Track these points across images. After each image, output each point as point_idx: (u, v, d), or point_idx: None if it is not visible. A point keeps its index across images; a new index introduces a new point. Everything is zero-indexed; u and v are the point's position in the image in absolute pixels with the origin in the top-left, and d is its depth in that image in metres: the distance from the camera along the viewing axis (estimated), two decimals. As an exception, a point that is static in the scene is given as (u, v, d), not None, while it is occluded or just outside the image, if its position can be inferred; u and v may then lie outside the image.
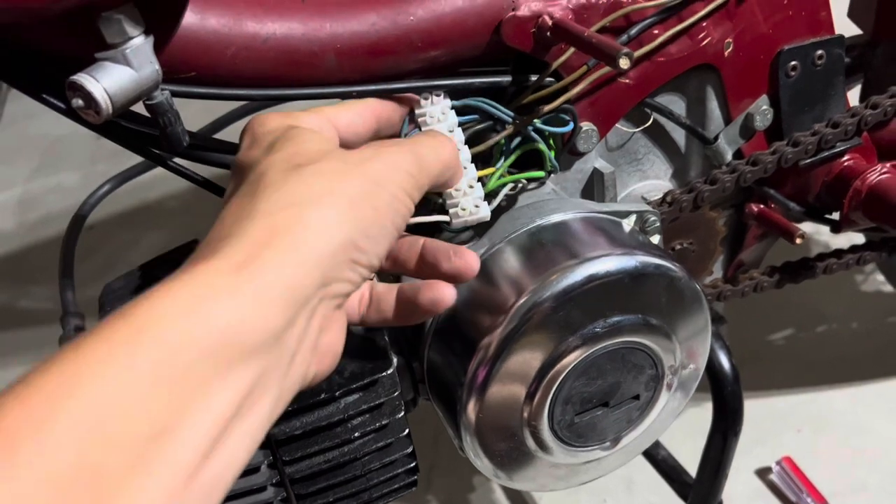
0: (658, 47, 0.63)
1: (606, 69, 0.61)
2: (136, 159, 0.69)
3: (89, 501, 0.27)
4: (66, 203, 1.87)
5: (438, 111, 0.56)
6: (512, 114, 0.59)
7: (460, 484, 1.11)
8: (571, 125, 0.61)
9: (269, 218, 0.38)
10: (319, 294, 0.38)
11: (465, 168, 0.54)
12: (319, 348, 0.40)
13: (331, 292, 0.39)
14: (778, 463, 1.08)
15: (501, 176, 0.59)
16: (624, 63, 0.52)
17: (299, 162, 0.41)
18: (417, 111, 0.56)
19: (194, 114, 0.69)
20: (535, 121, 0.60)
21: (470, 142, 0.57)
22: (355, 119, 0.49)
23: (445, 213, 0.53)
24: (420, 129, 0.56)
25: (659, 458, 0.93)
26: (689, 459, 0.91)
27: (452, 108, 0.57)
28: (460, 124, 0.57)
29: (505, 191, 0.59)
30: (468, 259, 0.49)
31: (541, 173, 0.61)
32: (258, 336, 0.34)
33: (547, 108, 0.60)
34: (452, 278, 0.49)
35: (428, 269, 0.49)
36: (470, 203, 0.52)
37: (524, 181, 0.61)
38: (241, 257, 0.36)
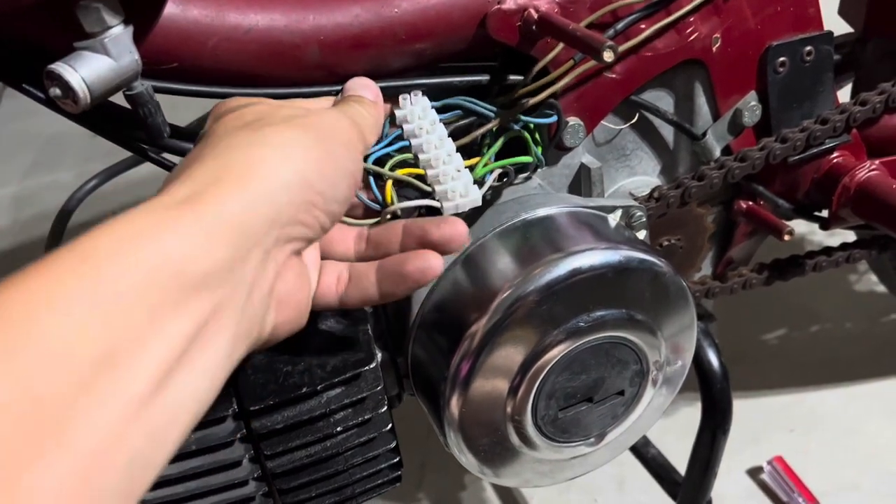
0: (644, 41, 0.63)
1: (592, 63, 0.61)
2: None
3: (35, 431, 0.27)
4: (61, 200, 1.84)
5: (418, 110, 0.56)
6: (494, 108, 0.59)
7: (451, 481, 1.11)
8: (555, 117, 0.61)
9: (219, 159, 0.38)
10: (274, 234, 0.38)
11: (450, 156, 0.54)
12: (277, 294, 0.41)
13: (286, 234, 0.39)
14: (769, 462, 1.08)
15: (487, 164, 0.58)
16: (608, 56, 0.52)
17: (248, 120, 0.42)
18: (398, 112, 0.56)
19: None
20: (520, 115, 0.60)
21: (455, 136, 0.57)
22: None
23: (434, 199, 0.53)
24: (402, 130, 0.56)
25: (649, 457, 0.93)
26: (682, 458, 0.90)
27: (432, 107, 0.57)
28: (443, 121, 0.57)
29: (493, 177, 0.58)
30: (457, 225, 0.48)
31: (528, 158, 0.60)
32: (204, 267, 0.34)
33: (532, 101, 0.60)
34: (442, 247, 0.48)
35: (414, 242, 0.49)
36: (460, 187, 0.52)
37: (511, 168, 0.60)
38: (187, 193, 0.36)
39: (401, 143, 0.55)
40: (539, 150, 0.62)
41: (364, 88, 0.53)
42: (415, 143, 0.55)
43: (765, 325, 1.30)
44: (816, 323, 1.30)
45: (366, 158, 0.53)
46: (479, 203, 0.53)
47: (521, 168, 0.62)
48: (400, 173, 0.54)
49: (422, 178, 0.54)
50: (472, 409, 0.55)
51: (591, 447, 0.61)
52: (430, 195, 0.53)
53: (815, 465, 1.08)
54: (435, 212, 0.54)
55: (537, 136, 0.62)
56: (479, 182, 0.57)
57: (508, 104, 0.60)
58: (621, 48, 0.61)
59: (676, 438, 0.94)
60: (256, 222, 0.37)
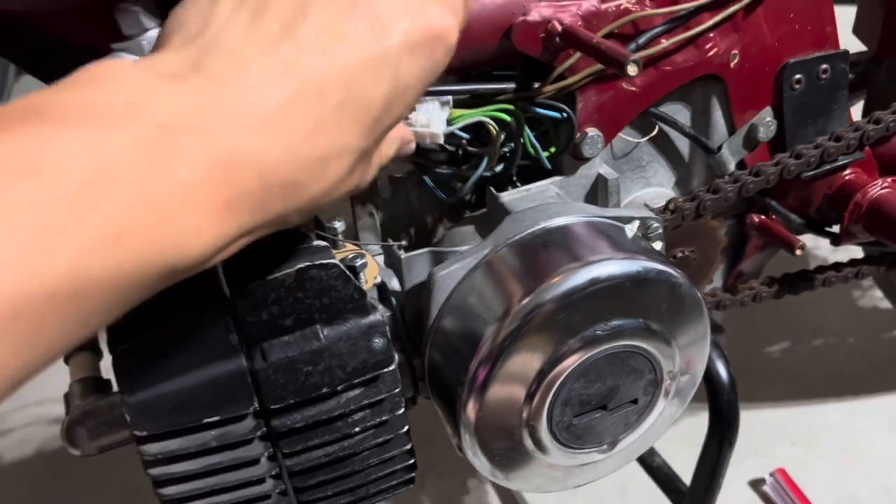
0: (665, 54, 0.64)
1: (600, 67, 0.62)
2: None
3: None
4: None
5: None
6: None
7: (455, 485, 1.12)
8: (564, 114, 0.63)
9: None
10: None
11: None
12: None
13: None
14: (772, 474, 1.08)
15: (463, 113, 0.60)
16: (632, 70, 0.53)
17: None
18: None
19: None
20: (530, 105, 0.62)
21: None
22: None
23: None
24: None
25: (654, 466, 0.94)
26: (685, 467, 0.91)
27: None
28: None
29: (465, 122, 0.60)
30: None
31: (508, 108, 0.61)
32: None
33: (543, 92, 0.61)
34: None
35: None
36: (422, 118, 0.55)
37: (489, 119, 0.61)
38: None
39: None
40: (546, 150, 0.63)
41: None
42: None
43: (767, 339, 1.31)
44: (819, 337, 1.31)
45: None
46: (440, 139, 0.56)
47: (509, 138, 0.63)
48: None
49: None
50: (488, 413, 0.56)
51: (603, 454, 0.62)
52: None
53: (816, 478, 1.09)
54: None
55: (552, 137, 0.64)
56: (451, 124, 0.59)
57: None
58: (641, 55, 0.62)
59: (682, 446, 0.95)
60: None
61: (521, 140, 0.62)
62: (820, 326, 1.32)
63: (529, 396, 0.56)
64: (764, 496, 1.08)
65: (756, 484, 1.10)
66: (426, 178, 0.66)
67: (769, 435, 1.16)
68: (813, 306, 1.30)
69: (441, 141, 0.56)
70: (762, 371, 1.26)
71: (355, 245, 0.61)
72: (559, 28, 0.59)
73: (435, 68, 0.40)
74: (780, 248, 0.82)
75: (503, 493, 1.11)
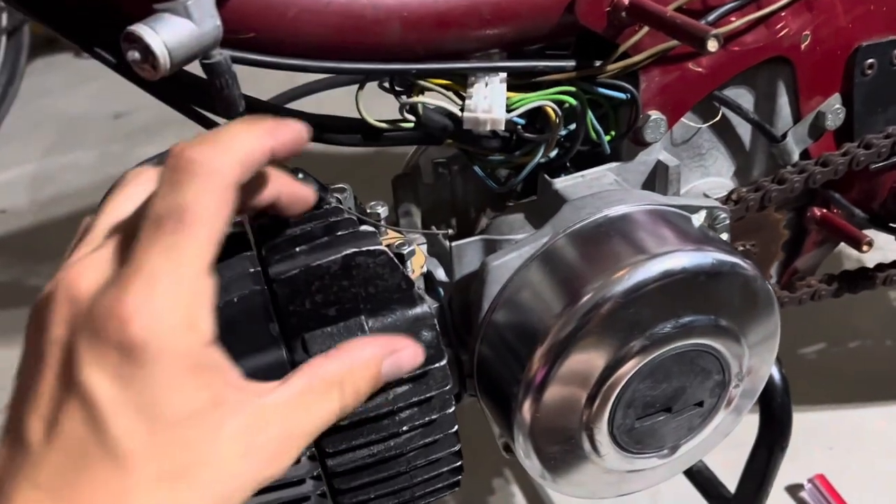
0: (735, 34, 0.59)
1: (669, 45, 0.58)
2: (153, 141, 0.65)
3: None
4: (80, 181, 1.84)
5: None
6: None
7: (480, 484, 1.08)
8: (628, 95, 0.59)
9: None
10: None
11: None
12: None
13: None
14: (810, 480, 1.05)
15: (524, 98, 0.56)
16: (713, 46, 0.49)
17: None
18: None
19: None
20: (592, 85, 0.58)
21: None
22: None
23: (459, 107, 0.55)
24: None
25: (694, 470, 0.90)
26: (723, 470, 0.88)
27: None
28: None
29: (527, 107, 0.56)
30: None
31: (571, 90, 0.57)
32: None
33: (606, 70, 0.57)
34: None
35: None
36: (483, 103, 0.53)
37: (552, 105, 0.57)
38: None
39: None
40: (607, 134, 0.60)
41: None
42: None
43: (802, 340, 1.27)
44: (856, 339, 1.27)
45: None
46: (501, 126, 0.54)
47: (570, 117, 0.59)
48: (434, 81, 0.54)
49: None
50: (546, 415, 0.52)
51: (662, 460, 0.58)
52: (459, 106, 0.54)
53: (855, 484, 1.05)
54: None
55: (612, 120, 0.60)
56: (510, 110, 0.56)
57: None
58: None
59: (719, 449, 0.91)
60: None
61: (584, 124, 0.58)
62: (856, 328, 1.28)
63: (591, 398, 0.52)
64: (801, 503, 1.04)
65: (794, 490, 1.06)
66: (476, 168, 0.61)
67: (806, 439, 1.12)
68: (848, 307, 1.25)
69: (502, 128, 0.52)
70: (798, 372, 1.21)
71: (398, 232, 0.57)
72: (626, 2, 0.55)
73: None
74: (836, 245, 0.78)
75: (528, 492, 1.08)
